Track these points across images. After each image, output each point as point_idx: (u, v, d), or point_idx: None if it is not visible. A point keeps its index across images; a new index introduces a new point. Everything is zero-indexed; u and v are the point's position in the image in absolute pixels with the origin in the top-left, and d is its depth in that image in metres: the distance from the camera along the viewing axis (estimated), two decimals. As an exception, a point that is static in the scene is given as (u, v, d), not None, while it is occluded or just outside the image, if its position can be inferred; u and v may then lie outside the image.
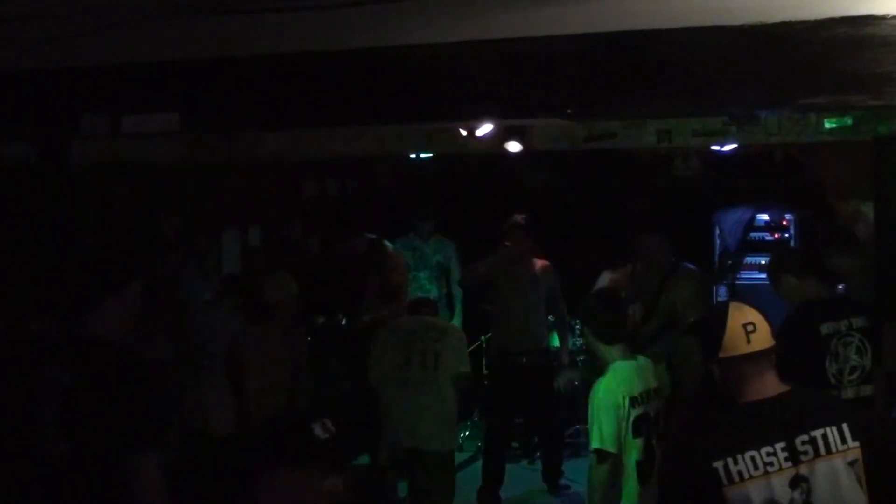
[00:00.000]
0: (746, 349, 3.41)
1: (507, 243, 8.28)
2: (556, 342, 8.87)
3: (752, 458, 3.27)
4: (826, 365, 5.90)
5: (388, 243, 9.13)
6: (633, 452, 5.16)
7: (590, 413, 5.23)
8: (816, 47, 4.64)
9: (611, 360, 5.34)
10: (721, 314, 3.49)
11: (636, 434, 5.19)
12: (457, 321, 10.24)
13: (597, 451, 5.10)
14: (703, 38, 4.77)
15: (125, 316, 4.45)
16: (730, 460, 3.27)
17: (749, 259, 9.51)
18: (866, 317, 6.11)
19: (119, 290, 4.41)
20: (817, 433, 3.29)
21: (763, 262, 9.21)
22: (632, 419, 5.16)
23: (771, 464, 3.27)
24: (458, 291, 10.28)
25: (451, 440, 7.11)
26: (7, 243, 7.61)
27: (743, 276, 9.33)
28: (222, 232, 9.67)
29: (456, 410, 6.92)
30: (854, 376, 5.97)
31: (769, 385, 3.41)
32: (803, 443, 3.28)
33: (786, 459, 3.27)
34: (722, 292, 9.38)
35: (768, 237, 9.69)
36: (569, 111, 5.21)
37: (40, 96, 5.90)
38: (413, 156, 8.89)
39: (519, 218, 8.35)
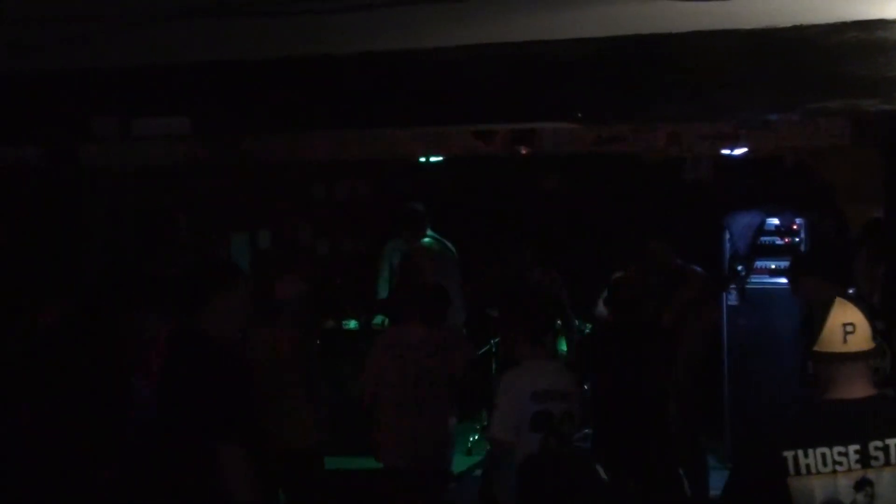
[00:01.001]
0: (842, 348, 3.43)
1: (514, 253, 8.32)
2: (563, 346, 8.85)
3: (823, 455, 3.31)
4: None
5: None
6: (528, 446, 5.35)
7: (494, 399, 5.60)
8: (827, 51, 4.63)
9: (527, 355, 5.71)
10: (825, 309, 3.49)
11: (534, 428, 5.45)
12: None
13: (491, 437, 5.49)
14: (713, 42, 4.77)
15: (234, 313, 4.67)
16: (800, 452, 3.31)
17: (759, 263, 9.47)
18: (882, 320, 6.13)
19: (229, 287, 4.67)
20: (891, 441, 3.32)
21: (773, 267, 9.20)
22: (531, 413, 5.45)
23: (840, 463, 3.30)
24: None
25: (449, 458, 6.97)
26: (16, 244, 7.65)
27: (753, 280, 9.30)
28: (231, 235, 9.69)
29: (454, 431, 6.81)
30: (874, 379, 5.99)
31: (857, 387, 3.43)
32: (877, 448, 3.31)
33: (856, 462, 3.30)
34: (731, 297, 9.34)
35: (778, 241, 9.65)
36: (579, 115, 5.21)
37: (51, 99, 5.91)
38: (423, 159, 8.88)
39: (524, 235, 8.43)
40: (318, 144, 8.31)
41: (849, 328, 3.43)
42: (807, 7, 4.32)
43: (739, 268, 9.43)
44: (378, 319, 9.36)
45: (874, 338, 3.47)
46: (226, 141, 8.25)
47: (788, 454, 3.32)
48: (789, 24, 4.63)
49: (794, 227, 9.81)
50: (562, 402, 5.58)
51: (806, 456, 3.31)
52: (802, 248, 9.27)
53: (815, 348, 3.45)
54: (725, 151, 8.34)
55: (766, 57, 4.74)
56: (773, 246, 9.50)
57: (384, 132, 7.75)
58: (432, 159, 8.76)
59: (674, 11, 4.77)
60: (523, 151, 7.65)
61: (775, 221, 9.76)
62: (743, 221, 9.94)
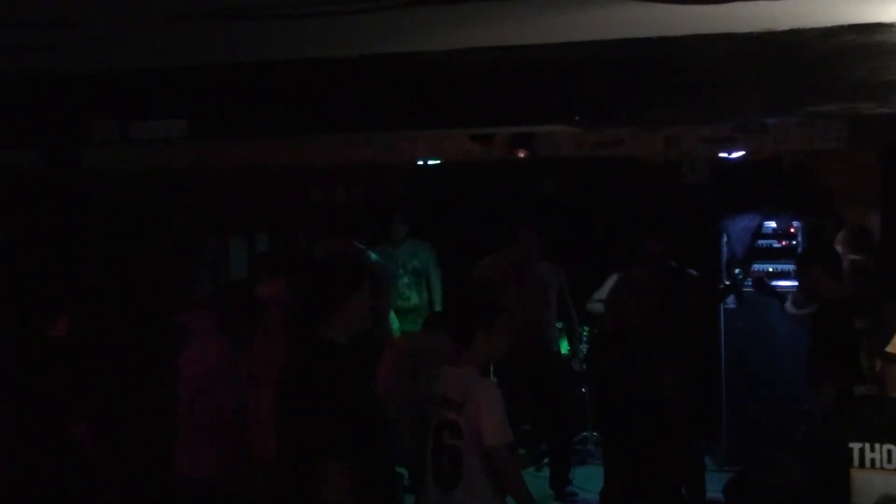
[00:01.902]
0: None
1: (515, 244, 8.24)
2: (566, 348, 8.85)
3: (889, 451, 3.36)
4: (860, 359, 6.03)
5: (371, 254, 8.97)
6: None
7: None
8: (825, 55, 4.65)
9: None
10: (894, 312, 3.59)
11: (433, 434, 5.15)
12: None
13: None
14: (711, 46, 4.78)
15: (362, 316, 4.59)
16: (867, 446, 3.37)
17: (756, 266, 9.48)
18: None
19: (361, 287, 4.57)
20: None
21: (771, 270, 9.21)
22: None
23: None
24: (437, 296, 10.25)
25: None
26: (17, 249, 7.65)
27: (750, 283, 9.30)
28: (230, 238, 9.69)
29: None
30: (872, 375, 6.07)
31: None
32: None
33: None
34: (729, 300, 9.35)
35: (776, 244, 9.67)
36: (577, 118, 5.22)
37: (50, 103, 5.92)
38: (421, 162, 8.88)
39: (528, 219, 8.32)
40: (315, 148, 8.34)
41: None
42: (804, 11, 4.33)
43: (737, 271, 9.44)
44: None
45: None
46: (224, 144, 8.26)
47: (855, 446, 3.38)
48: (787, 28, 4.64)
49: (792, 230, 9.82)
50: (455, 412, 5.06)
51: (872, 450, 3.37)
52: (800, 250, 9.28)
53: (888, 349, 3.50)
54: (723, 154, 8.35)
55: (764, 60, 4.75)
56: (770, 249, 9.51)
57: (382, 135, 7.77)
58: (430, 162, 8.75)
59: (672, 15, 4.78)
60: (521, 155, 7.66)
61: (773, 224, 9.77)
62: (740, 224, 9.95)
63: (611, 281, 8.00)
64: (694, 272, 7.79)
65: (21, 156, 7.03)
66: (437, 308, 10.21)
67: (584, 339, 9.48)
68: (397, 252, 9.73)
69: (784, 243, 9.83)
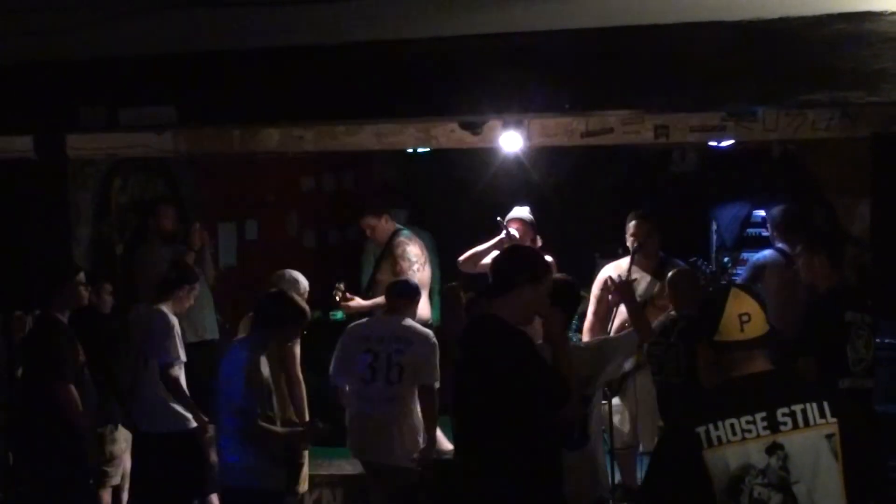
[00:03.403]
0: (740, 336, 3.56)
1: (510, 229, 8.19)
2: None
3: (732, 425, 3.45)
4: (847, 351, 6.07)
5: (404, 236, 8.99)
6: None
7: None
8: (815, 44, 4.65)
9: None
10: (720, 301, 3.61)
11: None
12: (434, 315, 10.21)
13: None
14: (701, 34, 4.78)
15: (532, 305, 4.69)
16: (711, 426, 3.46)
17: (745, 255, 9.48)
18: (870, 313, 6.26)
19: (541, 280, 4.70)
20: (797, 407, 3.47)
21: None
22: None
23: (749, 431, 3.45)
24: (435, 284, 10.23)
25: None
26: (5, 234, 7.65)
27: (739, 271, 9.31)
28: (218, 225, 9.67)
29: (421, 424, 6.51)
30: (858, 368, 6.10)
31: (757, 364, 3.57)
32: (784, 415, 3.46)
33: (764, 428, 3.45)
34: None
35: (765, 233, 9.67)
36: (567, 106, 5.21)
37: (37, 89, 5.89)
38: (410, 150, 8.86)
39: (524, 212, 8.28)
40: (307, 135, 8.32)
41: (744, 318, 3.55)
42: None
43: (726, 259, 9.46)
44: (339, 314, 9.29)
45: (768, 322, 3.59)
46: (213, 131, 8.24)
47: (700, 429, 3.46)
48: (776, 17, 4.65)
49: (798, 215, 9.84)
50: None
51: (717, 428, 3.46)
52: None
53: (716, 339, 3.59)
54: (713, 143, 8.35)
55: (754, 49, 4.75)
56: (759, 237, 9.53)
57: (372, 124, 7.76)
58: (420, 150, 8.73)
59: (662, 3, 4.79)
60: (511, 143, 7.65)
61: (762, 213, 9.79)
62: (730, 213, 9.97)
63: (608, 270, 7.93)
64: (681, 262, 7.74)
65: (8, 142, 6.99)
66: (435, 295, 10.22)
67: (574, 327, 9.47)
68: None
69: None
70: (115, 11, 5.37)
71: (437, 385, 6.38)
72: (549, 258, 8.32)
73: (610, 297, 7.24)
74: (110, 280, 7.81)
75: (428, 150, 8.59)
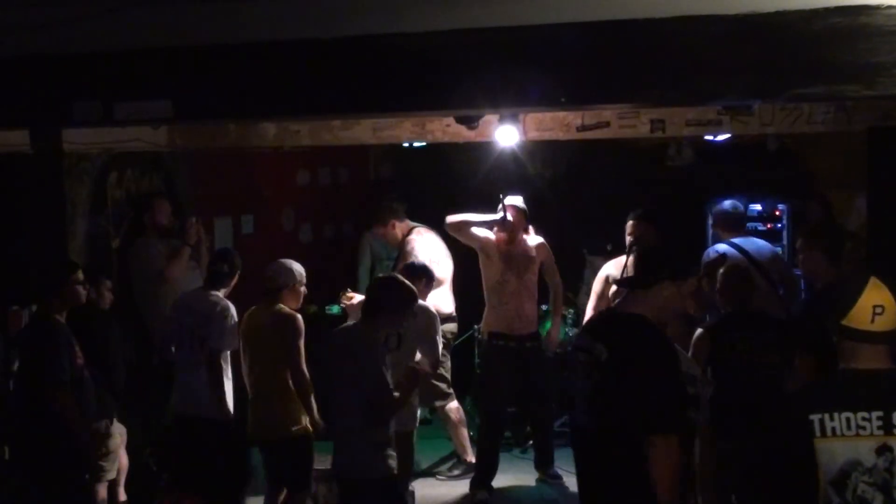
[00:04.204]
0: (869, 327, 3.56)
1: (507, 213, 8.20)
2: (544, 331, 8.80)
3: (847, 419, 3.48)
4: None
5: (413, 236, 9.02)
6: None
7: None
8: (811, 37, 4.64)
9: None
10: (859, 285, 3.60)
11: None
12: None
13: None
14: (697, 27, 4.77)
15: (673, 302, 4.63)
16: (826, 416, 3.48)
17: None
18: None
19: (685, 275, 4.65)
20: None
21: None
22: None
23: (863, 427, 3.48)
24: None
25: (411, 421, 6.93)
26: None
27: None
28: (214, 219, 9.65)
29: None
30: None
31: (880, 358, 3.58)
32: None
33: (878, 427, 3.47)
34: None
35: (761, 227, 9.68)
36: (562, 100, 5.20)
37: (33, 83, 5.88)
38: (406, 144, 8.86)
39: (514, 199, 8.30)
40: (303, 129, 8.32)
41: (878, 310, 3.55)
42: (789, -8, 4.35)
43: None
44: (335, 308, 9.29)
45: None
46: (209, 125, 8.23)
47: (815, 417, 3.48)
48: (772, 10, 4.64)
49: (777, 212, 9.85)
50: None
51: (832, 419, 3.48)
52: (785, 234, 9.30)
53: (844, 322, 3.59)
54: (709, 137, 8.35)
55: (749, 42, 4.75)
56: (755, 232, 9.52)
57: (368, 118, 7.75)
58: (416, 144, 8.73)
59: (657, -4, 4.78)
60: (507, 137, 7.64)
61: (758, 207, 9.79)
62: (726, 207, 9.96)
63: (608, 268, 7.94)
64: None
65: (3, 136, 6.99)
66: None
67: (570, 321, 9.48)
68: None
69: (769, 226, 9.86)
70: (111, 5, 5.36)
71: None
72: (541, 240, 8.44)
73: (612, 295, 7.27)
74: (108, 275, 7.81)
75: (424, 144, 8.59)
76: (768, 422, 3.87)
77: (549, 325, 8.73)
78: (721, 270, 6.71)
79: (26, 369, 6.41)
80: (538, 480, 8.59)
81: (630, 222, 7.67)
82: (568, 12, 4.86)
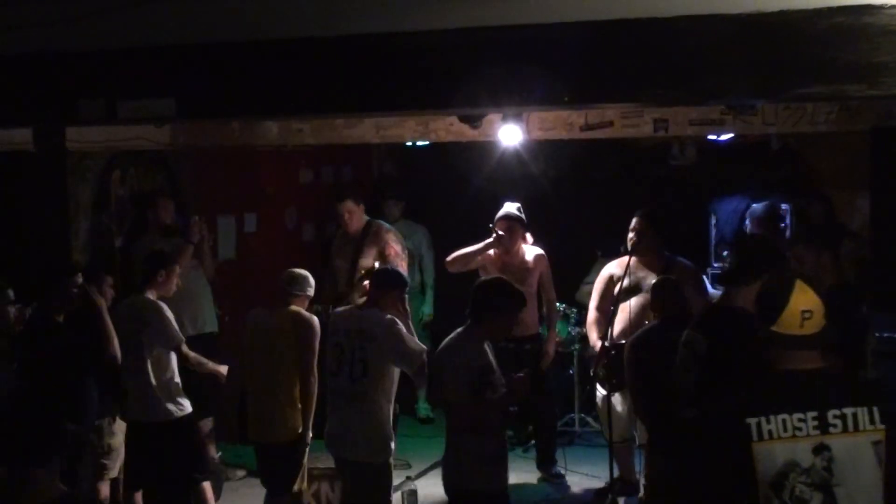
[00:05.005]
0: (799, 332, 3.58)
1: (499, 232, 8.23)
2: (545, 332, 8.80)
3: (784, 421, 3.50)
4: (866, 343, 6.15)
5: (385, 224, 9.03)
6: None
7: None
8: (814, 37, 4.64)
9: None
10: (786, 292, 3.61)
11: None
12: (427, 308, 10.21)
13: None
14: (700, 27, 4.77)
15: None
16: (763, 419, 3.50)
17: (744, 248, 9.47)
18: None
19: (778, 266, 4.80)
20: (849, 411, 3.51)
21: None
22: None
23: (800, 429, 3.49)
24: (429, 278, 10.24)
25: (381, 452, 6.32)
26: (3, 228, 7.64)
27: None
28: (218, 218, 9.65)
29: (388, 421, 6.34)
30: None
31: (812, 359, 3.60)
32: (835, 416, 3.50)
33: (814, 428, 3.49)
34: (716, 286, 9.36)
35: (764, 227, 9.68)
36: (566, 99, 5.20)
37: (36, 82, 5.89)
38: (409, 143, 8.86)
39: (512, 208, 8.31)
40: (304, 128, 8.32)
41: (806, 315, 3.57)
42: (793, -8, 4.35)
43: (725, 253, 9.46)
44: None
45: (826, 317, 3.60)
46: (212, 124, 8.24)
47: (752, 421, 3.50)
48: (775, 9, 4.64)
49: (780, 212, 9.84)
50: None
51: (768, 422, 3.50)
52: (788, 233, 9.30)
53: (774, 329, 3.60)
54: (712, 136, 8.35)
55: (753, 42, 4.75)
56: (757, 232, 9.51)
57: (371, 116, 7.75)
58: (419, 143, 8.73)
59: (661, -4, 4.78)
60: (510, 136, 7.64)
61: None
62: (729, 207, 9.97)
63: (610, 267, 7.94)
64: (686, 261, 7.75)
65: (7, 134, 6.99)
66: (429, 289, 10.21)
67: (574, 320, 9.48)
68: None
69: (772, 225, 9.84)
70: (115, 3, 5.37)
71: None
72: (540, 251, 8.45)
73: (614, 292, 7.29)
74: (111, 273, 7.81)
75: (427, 143, 8.59)
76: (703, 429, 3.90)
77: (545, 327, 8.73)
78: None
79: (25, 371, 6.40)
80: (540, 480, 8.59)
81: (635, 220, 7.67)
82: (571, 11, 4.86)
